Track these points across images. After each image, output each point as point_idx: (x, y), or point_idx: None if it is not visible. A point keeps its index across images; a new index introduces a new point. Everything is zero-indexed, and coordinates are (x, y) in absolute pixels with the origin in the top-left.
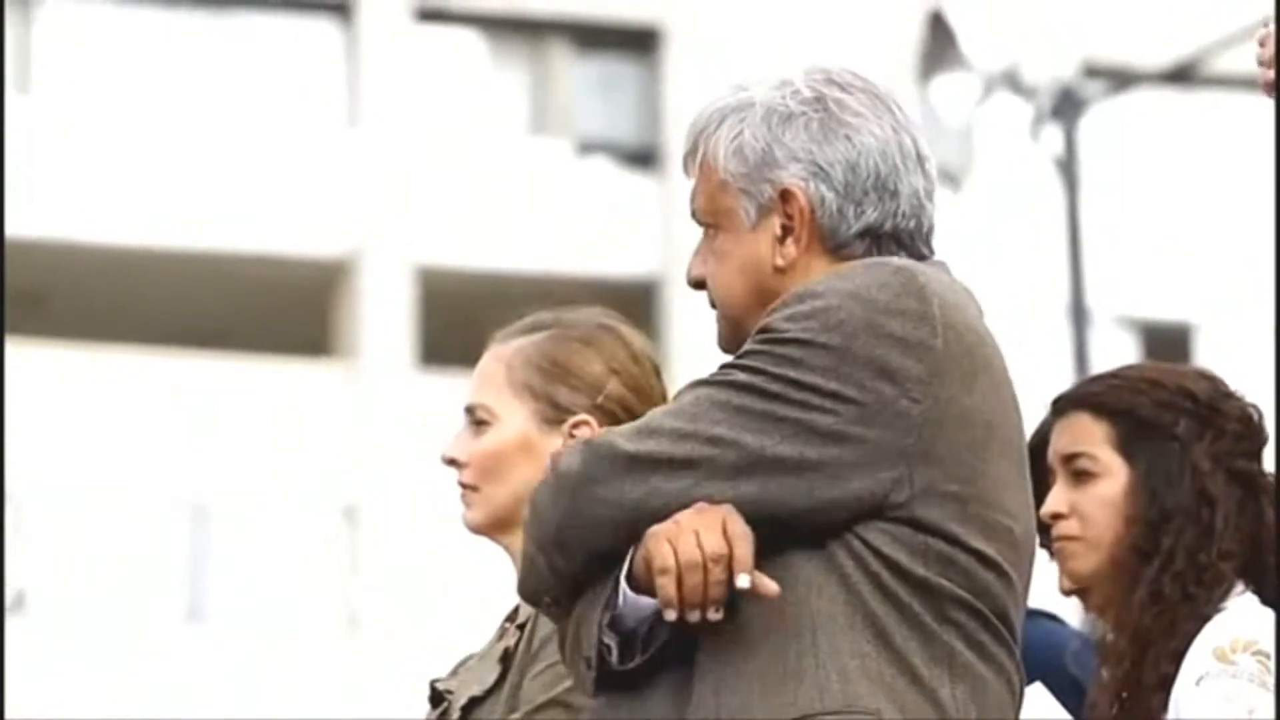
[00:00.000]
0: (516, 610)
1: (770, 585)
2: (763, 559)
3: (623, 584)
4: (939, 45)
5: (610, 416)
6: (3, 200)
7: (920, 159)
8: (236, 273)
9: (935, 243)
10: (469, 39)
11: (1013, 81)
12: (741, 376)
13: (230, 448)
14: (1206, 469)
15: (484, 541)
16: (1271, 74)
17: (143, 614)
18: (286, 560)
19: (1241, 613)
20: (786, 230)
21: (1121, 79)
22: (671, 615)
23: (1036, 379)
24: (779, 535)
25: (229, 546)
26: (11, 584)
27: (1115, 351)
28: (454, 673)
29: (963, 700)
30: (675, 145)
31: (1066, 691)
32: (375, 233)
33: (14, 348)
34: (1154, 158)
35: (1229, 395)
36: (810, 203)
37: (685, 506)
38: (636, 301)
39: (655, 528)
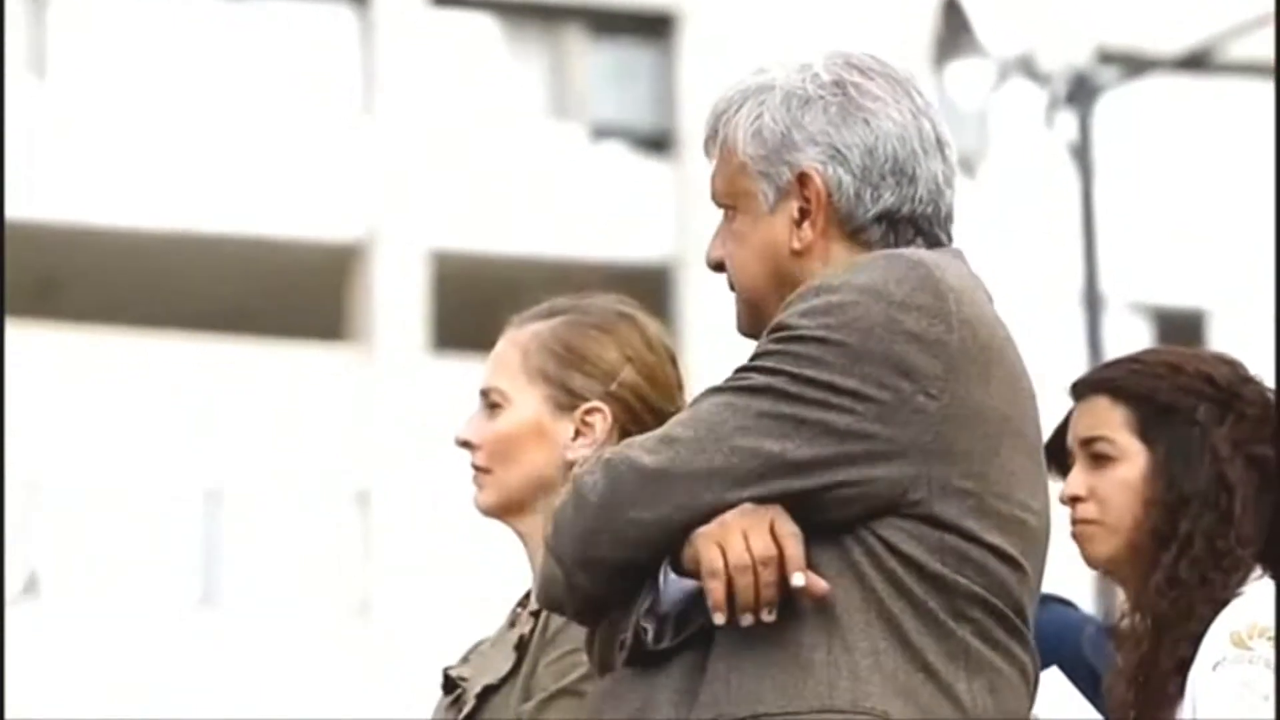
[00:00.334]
0: (528, 595)
1: (822, 584)
2: None
3: (666, 570)
4: (953, 31)
5: (623, 404)
6: (2, 184)
7: (940, 144)
8: (250, 257)
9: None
10: (484, 25)
11: (1027, 68)
12: (759, 380)
13: (243, 433)
14: (1225, 454)
15: (495, 527)
16: None
17: (155, 599)
18: (298, 545)
19: (1259, 598)
20: (804, 213)
21: (1136, 65)
22: (721, 619)
23: (1050, 365)
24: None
25: (241, 532)
26: (24, 568)
27: (1129, 337)
28: (466, 659)
29: (980, 695)
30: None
31: (1081, 676)
32: (389, 217)
33: (26, 332)
34: (1168, 144)
35: (1248, 380)
36: (827, 186)
37: (711, 518)
38: (651, 287)
39: (703, 529)
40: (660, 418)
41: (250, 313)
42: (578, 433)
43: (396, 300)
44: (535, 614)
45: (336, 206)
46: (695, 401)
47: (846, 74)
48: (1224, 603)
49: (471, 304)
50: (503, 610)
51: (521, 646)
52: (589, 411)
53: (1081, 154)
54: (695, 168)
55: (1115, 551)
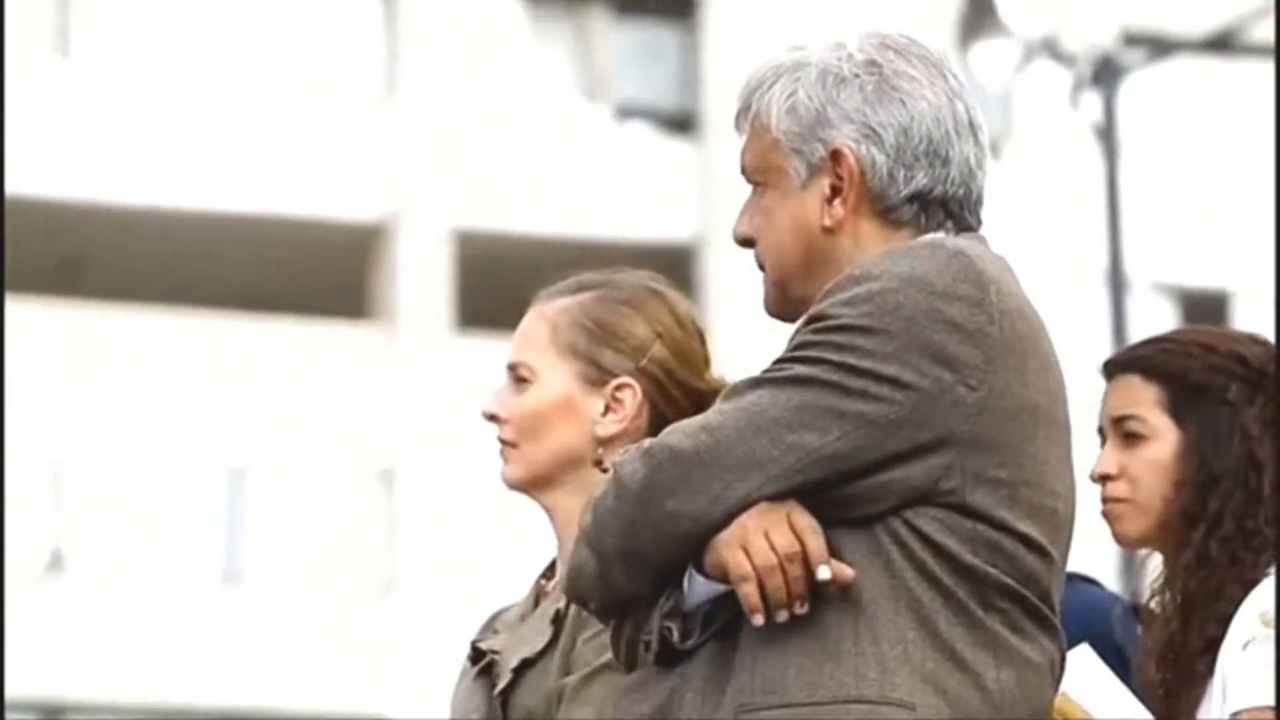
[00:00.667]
0: (552, 567)
1: (847, 571)
2: None
3: (690, 573)
4: (978, 12)
5: (653, 380)
6: (2, 161)
7: (973, 127)
8: (275, 236)
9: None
10: (508, 5)
11: (1052, 49)
12: (801, 370)
13: (267, 410)
14: (1256, 434)
15: (518, 505)
16: None
17: (179, 575)
18: (321, 524)
19: None
20: (835, 191)
21: (1161, 47)
22: (760, 620)
23: (1074, 346)
24: (826, 520)
25: (264, 510)
26: (49, 544)
27: (1153, 318)
28: (490, 629)
29: (1008, 684)
30: (714, 111)
31: (1109, 656)
32: (413, 197)
33: (49, 311)
34: (1193, 125)
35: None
36: (860, 164)
37: (745, 510)
38: (674, 267)
39: (723, 534)
40: (689, 394)
41: (274, 292)
42: (608, 408)
43: (420, 280)
44: None
45: (361, 186)
46: (734, 392)
47: (882, 54)
48: (1253, 582)
49: (495, 283)
50: (529, 585)
51: (558, 620)
52: (619, 387)
53: (1106, 135)
54: (719, 148)
55: (1145, 530)
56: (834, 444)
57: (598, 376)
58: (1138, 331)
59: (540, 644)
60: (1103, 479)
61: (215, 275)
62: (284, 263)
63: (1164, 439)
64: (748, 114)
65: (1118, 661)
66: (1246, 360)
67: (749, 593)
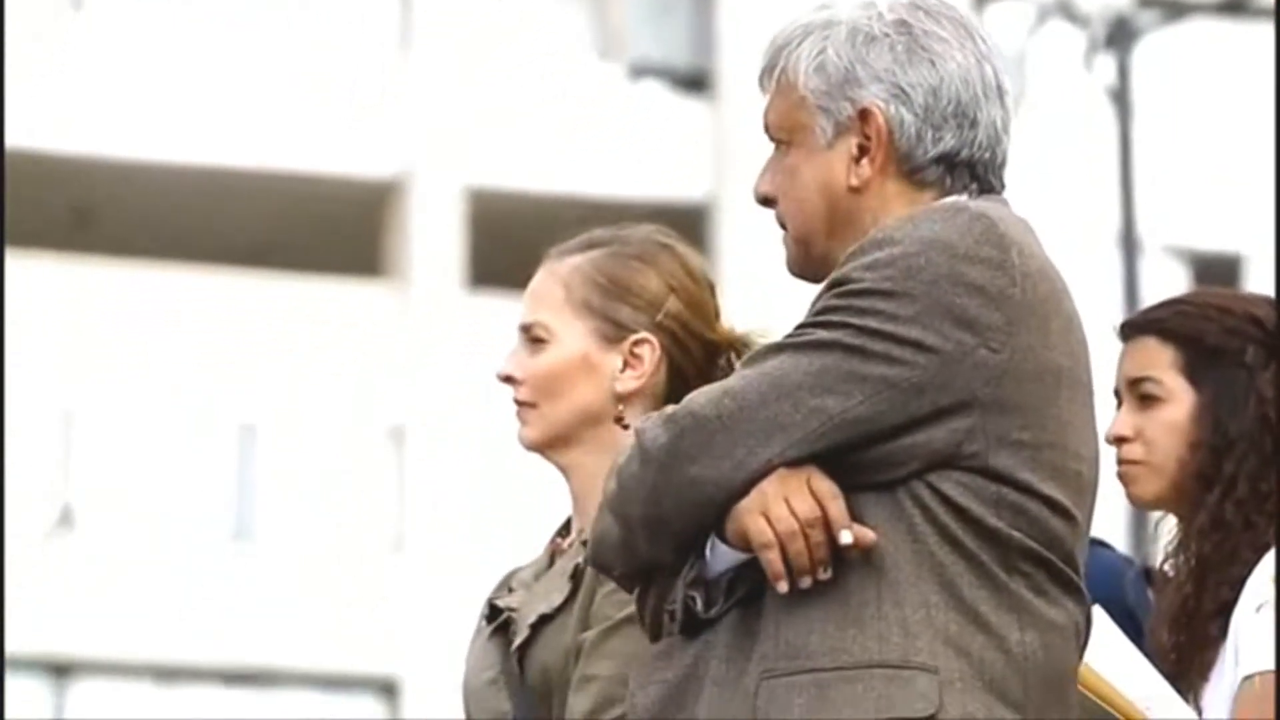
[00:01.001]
0: (567, 525)
1: (869, 535)
2: None
3: (713, 541)
4: None
5: (670, 334)
6: (2, 114)
7: (1000, 91)
8: (287, 193)
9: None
10: None
11: (1066, 10)
12: (823, 335)
13: (279, 367)
14: (1271, 396)
15: (531, 463)
16: None
17: (189, 533)
18: (332, 481)
19: None
20: (863, 150)
21: (1175, 9)
22: (784, 587)
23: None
24: (849, 485)
25: (275, 467)
26: (59, 501)
27: (1165, 281)
28: (506, 587)
29: (1032, 647)
30: (728, 70)
31: (1122, 619)
32: (426, 154)
33: (61, 265)
34: (1206, 87)
35: None
36: (889, 124)
37: (768, 475)
38: (688, 226)
39: (744, 502)
40: (705, 346)
41: (287, 248)
42: (626, 364)
43: (433, 237)
44: (585, 543)
45: (374, 143)
46: (757, 357)
47: (912, 14)
48: (1267, 546)
49: (508, 242)
50: (539, 545)
51: (576, 576)
52: (637, 343)
53: (1120, 97)
54: (733, 107)
55: (1160, 493)
56: (856, 408)
57: (614, 333)
58: (1150, 294)
59: (558, 600)
60: (1118, 441)
61: (227, 231)
62: (296, 219)
63: (1179, 401)
64: (773, 72)
65: (1130, 625)
66: (1262, 323)
67: (772, 559)
